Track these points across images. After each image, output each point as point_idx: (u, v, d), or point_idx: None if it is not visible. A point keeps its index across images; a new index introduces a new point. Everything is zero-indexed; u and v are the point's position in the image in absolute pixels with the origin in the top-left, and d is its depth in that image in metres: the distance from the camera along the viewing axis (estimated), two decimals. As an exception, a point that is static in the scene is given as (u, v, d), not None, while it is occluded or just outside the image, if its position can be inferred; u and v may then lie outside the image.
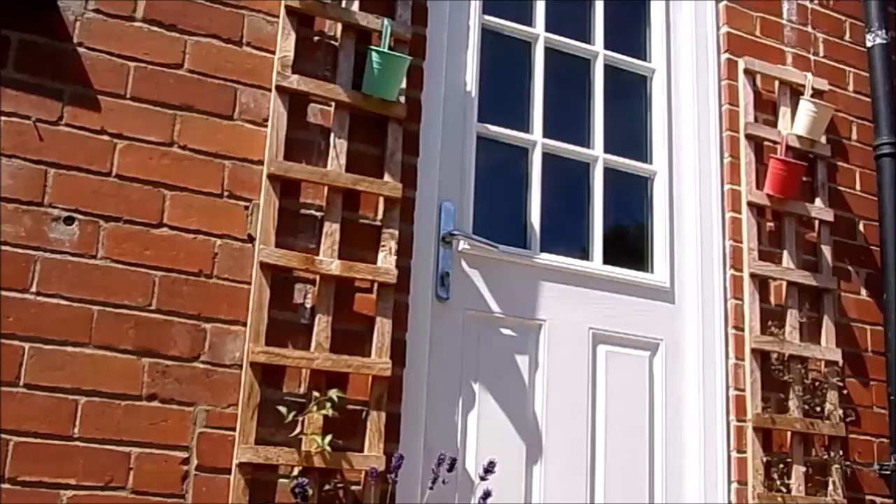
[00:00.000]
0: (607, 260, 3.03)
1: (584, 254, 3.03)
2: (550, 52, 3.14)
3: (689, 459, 2.93)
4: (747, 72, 3.24)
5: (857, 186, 3.39)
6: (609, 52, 3.23)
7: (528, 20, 3.14)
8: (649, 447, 2.92)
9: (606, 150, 3.12)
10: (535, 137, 3.02)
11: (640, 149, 3.23)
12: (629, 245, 3.22)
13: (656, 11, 3.36)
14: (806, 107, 3.22)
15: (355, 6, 2.65)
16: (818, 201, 3.26)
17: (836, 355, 3.12)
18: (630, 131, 3.27)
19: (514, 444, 2.72)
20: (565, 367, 2.85)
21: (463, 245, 2.77)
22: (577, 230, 3.08)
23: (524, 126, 3.04)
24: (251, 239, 2.42)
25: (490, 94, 3.01)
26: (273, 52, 2.53)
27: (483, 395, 2.72)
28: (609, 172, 3.11)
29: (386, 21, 2.62)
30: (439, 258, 2.72)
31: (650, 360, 3.00)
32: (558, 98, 3.14)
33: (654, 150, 3.22)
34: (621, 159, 3.15)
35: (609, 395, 2.90)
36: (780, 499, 2.87)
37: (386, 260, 2.53)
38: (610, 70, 3.22)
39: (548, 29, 3.15)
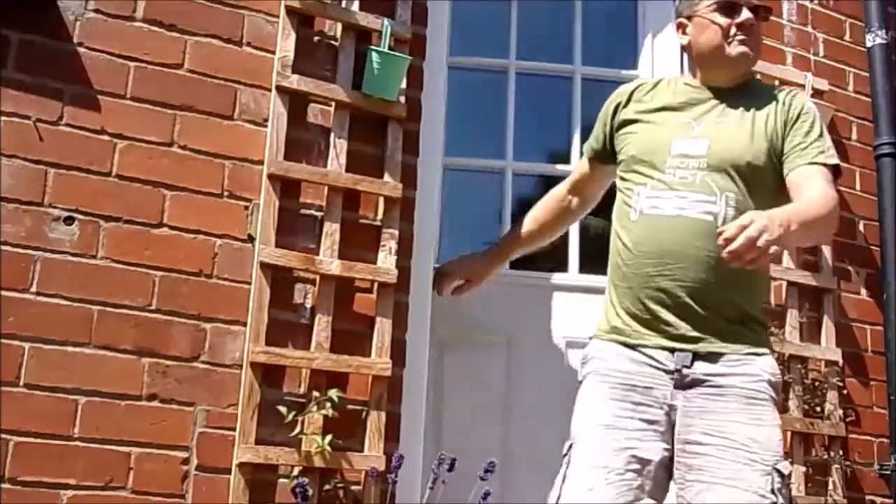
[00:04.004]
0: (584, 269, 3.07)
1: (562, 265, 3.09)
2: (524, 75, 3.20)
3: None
4: (747, 72, 3.24)
5: (857, 186, 3.39)
6: (586, 69, 3.26)
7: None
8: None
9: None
10: (507, 162, 3.10)
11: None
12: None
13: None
14: (806, 107, 3.22)
15: (355, 6, 2.64)
16: (818, 201, 3.25)
17: (836, 355, 3.12)
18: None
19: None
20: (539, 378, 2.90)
21: None
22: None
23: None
24: (251, 239, 2.42)
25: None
26: (273, 52, 2.53)
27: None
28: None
29: (386, 21, 2.62)
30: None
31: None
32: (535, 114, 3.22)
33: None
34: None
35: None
36: (780, 499, 2.87)
37: (386, 260, 2.53)
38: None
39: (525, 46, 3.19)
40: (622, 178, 2.19)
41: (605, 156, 2.30)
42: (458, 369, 2.84)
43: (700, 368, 1.97)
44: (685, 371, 1.96)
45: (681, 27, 2.23)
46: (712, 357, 1.97)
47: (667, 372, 1.98)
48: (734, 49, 2.13)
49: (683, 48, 2.26)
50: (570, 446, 1.98)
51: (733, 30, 2.12)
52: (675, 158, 2.07)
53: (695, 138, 2.09)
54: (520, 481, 2.72)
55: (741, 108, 2.13)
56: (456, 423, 2.78)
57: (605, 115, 2.30)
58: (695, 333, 1.98)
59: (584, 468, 1.93)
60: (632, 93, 2.26)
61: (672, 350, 1.99)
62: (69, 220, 2.25)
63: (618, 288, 2.09)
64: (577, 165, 2.49)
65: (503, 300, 2.89)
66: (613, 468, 1.90)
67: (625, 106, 2.25)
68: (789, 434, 2.97)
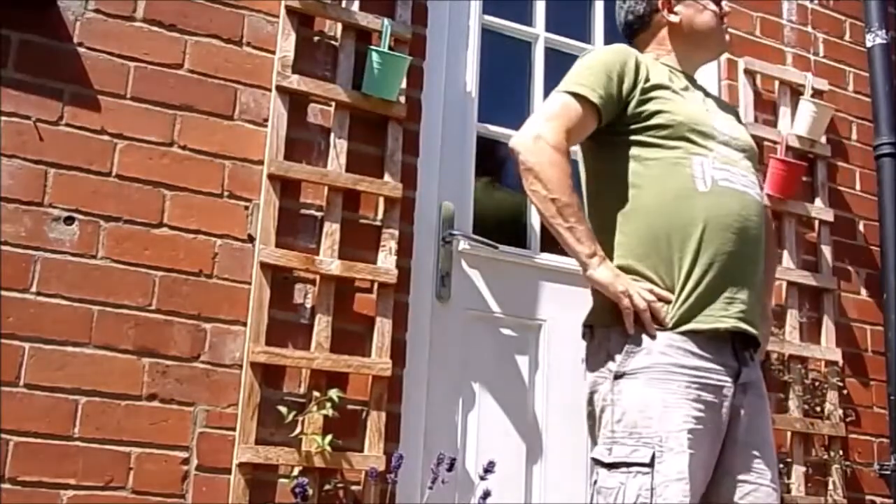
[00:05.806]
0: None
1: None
2: (550, 51, 3.14)
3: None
4: (747, 72, 3.24)
5: (857, 186, 3.39)
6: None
7: (528, 20, 3.15)
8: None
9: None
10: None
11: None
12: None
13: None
14: (806, 107, 3.22)
15: (355, 6, 2.65)
16: (818, 201, 3.26)
17: (836, 355, 3.12)
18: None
19: (514, 444, 2.71)
20: (565, 367, 2.84)
21: (463, 245, 2.77)
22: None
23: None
24: (251, 239, 2.42)
25: (490, 94, 3.00)
26: (273, 52, 2.53)
27: (483, 395, 2.71)
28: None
29: (386, 21, 2.62)
30: (439, 258, 2.72)
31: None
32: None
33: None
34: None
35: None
36: (780, 499, 2.88)
37: (386, 260, 2.53)
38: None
39: (548, 29, 3.15)
40: (659, 146, 1.93)
41: (609, 114, 1.95)
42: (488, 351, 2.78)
43: (751, 366, 1.90)
44: (745, 370, 1.87)
45: (666, 4, 2.11)
46: (751, 355, 1.94)
47: (730, 369, 1.84)
48: (724, 36, 2.19)
49: (663, 25, 2.11)
50: (654, 456, 1.74)
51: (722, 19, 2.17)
52: (724, 135, 2.00)
53: (722, 120, 2.05)
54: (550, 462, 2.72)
55: (712, 98, 2.15)
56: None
57: (623, 70, 1.96)
58: (754, 318, 1.90)
59: (681, 483, 1.73)
60: (643, 58, 2.06)
61: (743, 335, 1.88)
62: (69, 220, 2.25)
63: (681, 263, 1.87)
64: (566, 113, 1.93)
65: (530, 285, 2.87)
66: (705, 479, 1.80)
67: (649, 68, 2.00)
68: (789, 434, 2.97)
